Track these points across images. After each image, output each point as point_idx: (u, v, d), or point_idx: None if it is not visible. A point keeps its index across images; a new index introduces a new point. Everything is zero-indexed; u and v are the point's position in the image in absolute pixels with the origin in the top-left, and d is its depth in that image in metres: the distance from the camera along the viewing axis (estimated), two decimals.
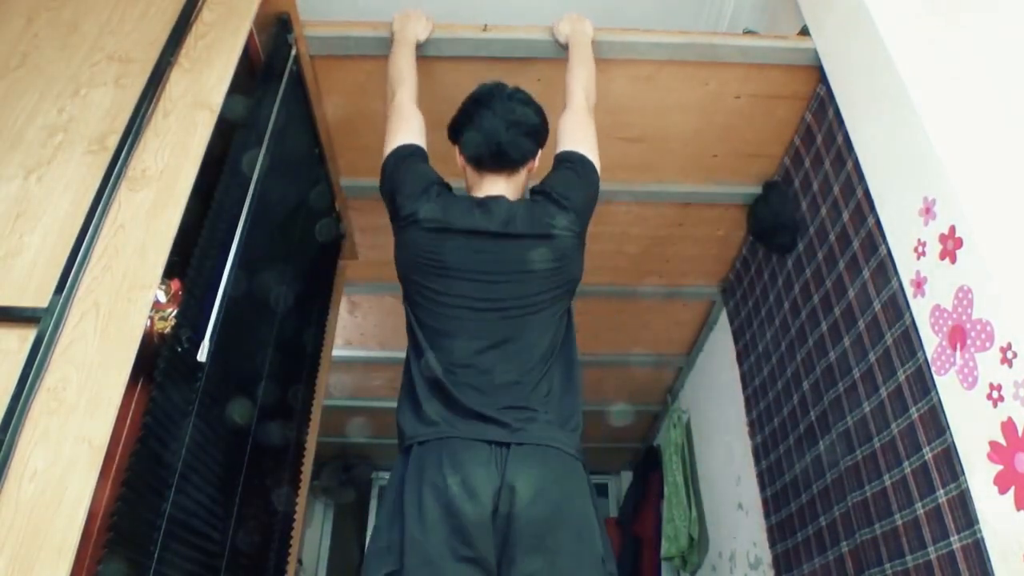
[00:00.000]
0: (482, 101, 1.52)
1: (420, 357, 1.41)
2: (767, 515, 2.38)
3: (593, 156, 1.57)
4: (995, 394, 1.25)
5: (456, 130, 1.56)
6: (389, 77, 1.71)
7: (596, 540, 1.25)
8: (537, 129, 1.53)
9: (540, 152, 1.57)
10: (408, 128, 1.59)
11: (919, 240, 1.47)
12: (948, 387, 1.39)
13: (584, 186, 1.53)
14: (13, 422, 0.97)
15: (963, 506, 1.36)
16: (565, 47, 1.79)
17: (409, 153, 1.55)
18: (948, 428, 1.40)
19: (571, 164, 1.55)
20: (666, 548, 3.42)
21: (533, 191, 1.55)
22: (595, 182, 1.56)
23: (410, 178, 1.52)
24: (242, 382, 1.55)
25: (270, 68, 1.68)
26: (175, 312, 1.24)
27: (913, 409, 1.53)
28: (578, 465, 1.32)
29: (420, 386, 1.37)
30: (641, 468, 4.05)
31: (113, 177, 1.21)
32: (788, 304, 2.23)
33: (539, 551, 1.18)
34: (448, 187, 1.54)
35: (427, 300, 1.44)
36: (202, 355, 1.24)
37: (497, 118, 1.49)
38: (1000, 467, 1.23)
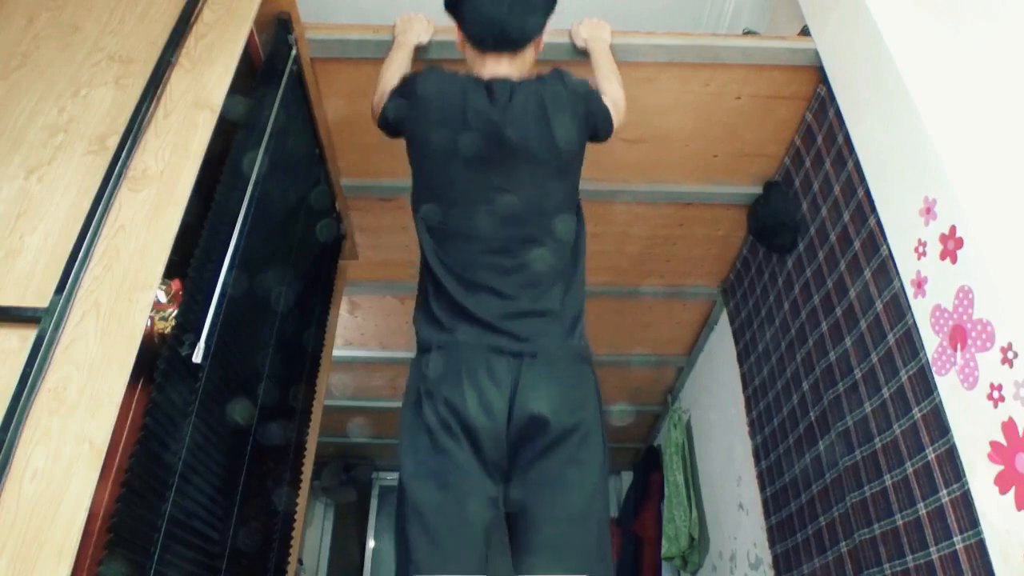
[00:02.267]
0: None
1: (434, 256, 1.44)
2: (767, 515, 2.38)
3: (616, 115, 1.59)
4: (996, 394, 1.25)
5: (454, 3, 1.50)
6: (381, 73, 1.69)
7: (598, 446, 1.33)
8: (544, 1, 1.49)
9: (547, 28, 1.53)
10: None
11: (920, 240, 1.47)
12: (949, 387, 1.39)
13: (598, 102, 1.55)
14: (14, 422, 0.97)
15: (966, 506, 1.35)
16: (583, 51, 1.80)
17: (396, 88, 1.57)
18: (950, 428, 1.40)
19: (594, 92, 1.56)
20: (667, 548, 3.42)
21: (541, 76, 1.53)
22: (608, 119, 1.57)
23: (402, 87, 1.54)
24: (243, 382, 1.55)
25: (270, 68, 1.68)
26: (175, 312, 1.24)
27: (916, 409, 1.53)
28: (584, 368, 1.40)
29: (431, 287, 1.43)
30: (642, 468, 4.05)
31: (114, 177, 1.21)
32: (788, 304, 2.23)
33: (546, 455, 1.28)
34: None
35: (436, 192, 1.46)
36: (197, 356, 1.24)
37: None
38: (1001, 467, 1.23)
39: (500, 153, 1.43)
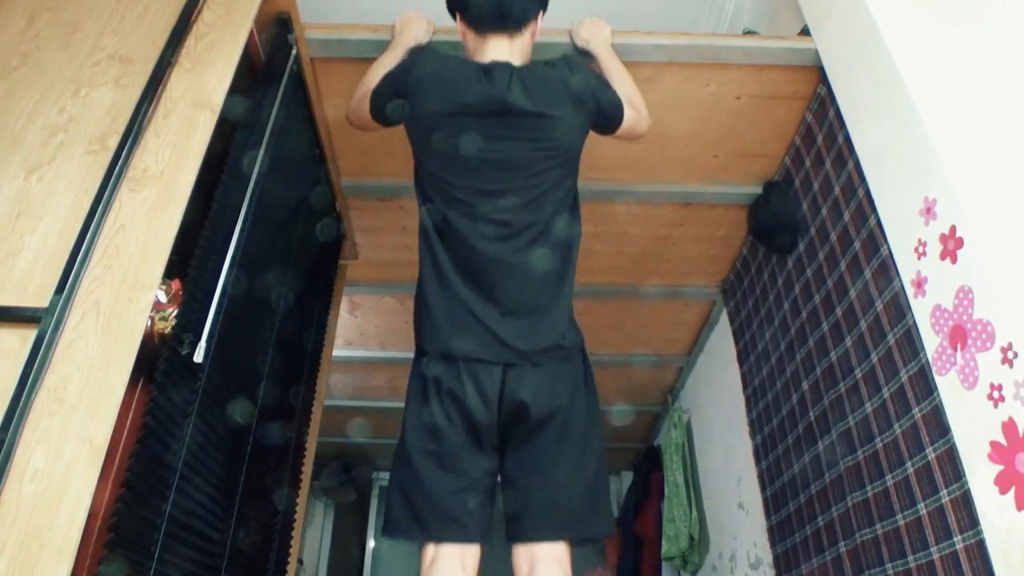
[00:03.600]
0: None
1: (429, 239, 1.53)
2: (767, 515, 2.38)
3: (635, 112, 1.65)
4: (996, 394, 1.25)
5: None
6: (369, 71, 1.71)
7: (581, 428, 1.46)
8: None
9: (543, 15, 1.60)
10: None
11: (920, 240, 1.47)
12: (949, 387, 1.39)
13: (605, 91, 1.60)
14: (14, 422, 0.97)
15: (966, 506, 1.35)
16: (583, 52, 1.81)
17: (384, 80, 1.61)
18: (950, 428, 1.40)
19: (603, 80, 1.63)
20: (667, 548, 3.42)
21: (549, 61, 1.59)
22: (618, 111, 1.61)
23: (395, 80, 1.59)
24: (243, 382, 1.55)
25: (271, 68, 1.68)
26: (175, 312, 1.24)
27: (916, 409, 1.53)
28: (568, 364, 1.50)
29: (430, 282, 1.51)
30: (642, 468, 4.05)
31: (114, 177, 1.21)
32: (788, 304, 2.23)
33: (531, 438, 1.44)
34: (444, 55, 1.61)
35: (437, 185, 1.52)
36: (199, 356, 1.24)
37: None
38: (1001, 467, 1.23)
39: (498, 134, 1.47)
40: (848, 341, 1.83)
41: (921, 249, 1.47)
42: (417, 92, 1.52)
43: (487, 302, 1.47)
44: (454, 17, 1.61)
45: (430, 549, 1.41)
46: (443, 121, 1.49)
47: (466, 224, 1.49)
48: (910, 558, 1.54)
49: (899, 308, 1.59)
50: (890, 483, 1.63)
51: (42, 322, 1.05)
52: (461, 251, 1.50)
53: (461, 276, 1.48)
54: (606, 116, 1.60)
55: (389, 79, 1.60)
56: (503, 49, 1.52)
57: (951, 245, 1.38)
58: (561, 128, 1.50)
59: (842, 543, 1.85)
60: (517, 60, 1.54)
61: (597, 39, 1.79)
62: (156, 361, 1.18)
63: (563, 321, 1.52)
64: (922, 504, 1.50)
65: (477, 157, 1.47)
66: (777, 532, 2.31)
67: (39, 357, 1.02)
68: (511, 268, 1.48)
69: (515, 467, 1.45)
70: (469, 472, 1.42)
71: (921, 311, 1.48)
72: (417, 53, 1.62)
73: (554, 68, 1.54)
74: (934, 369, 1.44)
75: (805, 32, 1.97)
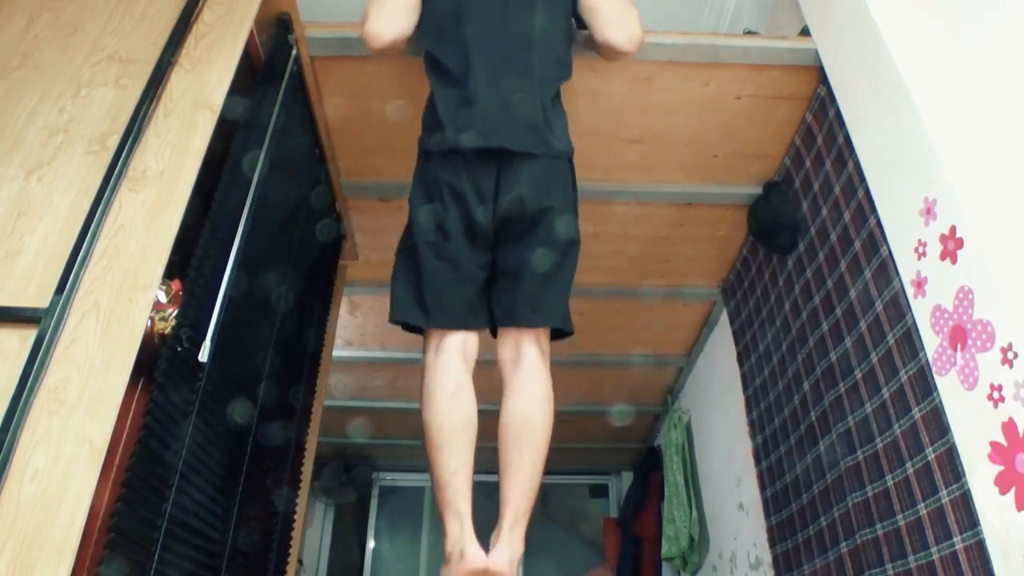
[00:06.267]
0: None
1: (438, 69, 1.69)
2: (767, 515, 2.38)
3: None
4: (996, 394, 1.25)
5: None
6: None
7: (570, 225, 1.62)
8: None
9: None
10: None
11: (920, 240, 1.47)
12: (949, 387, 1.39)
13: None
14: (14, 422, 0.96)
15: (966, 507, 1.36)
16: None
17: None
18: (950, 429, 1.40)
19: None
20: (667, 548, 3.42)
21: None
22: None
23: None
24: (243, 382, 1.55)
25: (271, 68, 1.68)
26: (175, 312, 1.24)
27: (915, 410, 1.53)
28: (560, 163, 1.64)
29: (437, 88, 1.67)
30: (642, 468, 4.05)
31: (114, 177, 1.21)
32: (789, 305, 2.23)
33: (526, 233, 1.59)
34: None
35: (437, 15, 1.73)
36: (203, 355, 1.24)
37: None
38: (1001, 467, 1.23)
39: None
40: (848, 341, 1.83)
41: (921, 249, 1.47)
42: None
43: (489, 104, 1.60)
44: None
45: (433, 339, 1.59)
46: None
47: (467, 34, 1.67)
48: (910, 558, 1.54)
49: (899, 308, 1.59)
50: (890, 483, 1.63)
51: (42, 322, 1.05)
52: (461, 58, 1.65)
53: (463, 77, 1.62)
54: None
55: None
56: None
57: (951, 245, 1.38)
58: None
59: (843, 543, 1.85)
60: None
61: None
62: (156, 361, 1.18)
63: (558, 123, 1.67)
64: (922, 504, 1.50)
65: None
66: (777, 532, 2.31)
67: (39, 357, 1.02)
68: (511, 69, 1.63)
69: (510, 258, 1.60)
70: (465, 265, 1.59)
71: (921, 311, 1.48)
72: None
73: None
74: (934, 369, 1.44)
75: (805, 32, 1.97)
